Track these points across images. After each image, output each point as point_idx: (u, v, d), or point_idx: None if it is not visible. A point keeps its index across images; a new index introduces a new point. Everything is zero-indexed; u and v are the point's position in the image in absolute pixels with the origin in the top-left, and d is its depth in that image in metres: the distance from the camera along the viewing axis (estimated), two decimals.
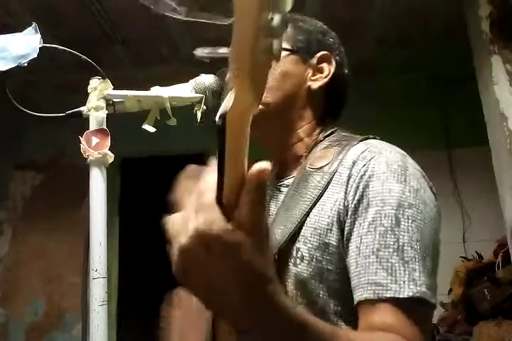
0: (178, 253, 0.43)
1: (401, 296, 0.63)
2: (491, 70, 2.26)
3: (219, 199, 0.41)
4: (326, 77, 0.88)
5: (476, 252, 2.90)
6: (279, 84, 0.84)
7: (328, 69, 0.88)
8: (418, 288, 0.63)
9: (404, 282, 0.64)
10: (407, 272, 0.64)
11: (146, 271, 4.29)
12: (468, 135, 3.08)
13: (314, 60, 0.88)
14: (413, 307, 0.63)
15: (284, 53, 0.85)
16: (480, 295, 2.55)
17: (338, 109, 0.93)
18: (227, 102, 0.38)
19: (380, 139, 0.82)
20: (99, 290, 0.96)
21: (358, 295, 0.66)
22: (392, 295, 0.63)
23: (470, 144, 3.06)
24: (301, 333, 0.48)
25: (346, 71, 0.93)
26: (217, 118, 0.39)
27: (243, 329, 0.49)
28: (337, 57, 0.90)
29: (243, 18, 0.32)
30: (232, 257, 0.42)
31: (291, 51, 0.86)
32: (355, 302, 0.67)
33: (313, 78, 0.88)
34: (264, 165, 0.40)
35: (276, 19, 0.32)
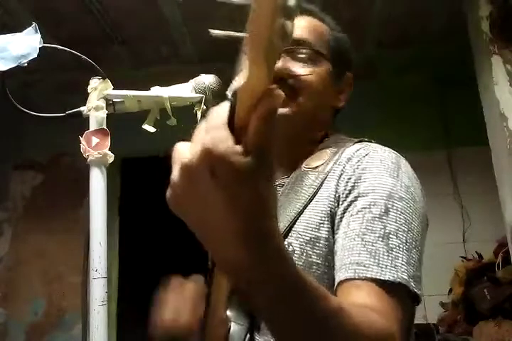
0: (179, 173, 0.39)
1: (382, 278, 0.62)
2: (491, 70, 2.26)
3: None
4: (345, 100, 0.92)
5: (476, 252, 2.89)
6: (316, 97, 0.85)
7: (348, 92, 0.92)
8: (399, 274, 0.63)
9: (386, 266, 0.63)
10: (390, 258, 0.64)
11: (146, 271, 4.29)
12: (468, 135, 3.08)
13: (342, 82, 0.91)
14: (393, 292, 0.62)
15: (323, 60, 0.86)
16: (480, 295, 2.55)
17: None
18: (240, 79, 0.37)
19: (375, 143, 0.84)
20: (99, 290, 0.96)
21: (339, 275, 0.65)
22: (373, 276, 0.63)
23: (470, 144, 3.05)
24: (297, 283, 0.45)
25: None
26: (229, 93, 0.38)
27: (237, 272, 0.44)
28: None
29: None
30: (236, 183, 0.37)
31: (328, 61, 0.87)
32: (335, 285, 0.66)
33: (338, 97, 0.91)
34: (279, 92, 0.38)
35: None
